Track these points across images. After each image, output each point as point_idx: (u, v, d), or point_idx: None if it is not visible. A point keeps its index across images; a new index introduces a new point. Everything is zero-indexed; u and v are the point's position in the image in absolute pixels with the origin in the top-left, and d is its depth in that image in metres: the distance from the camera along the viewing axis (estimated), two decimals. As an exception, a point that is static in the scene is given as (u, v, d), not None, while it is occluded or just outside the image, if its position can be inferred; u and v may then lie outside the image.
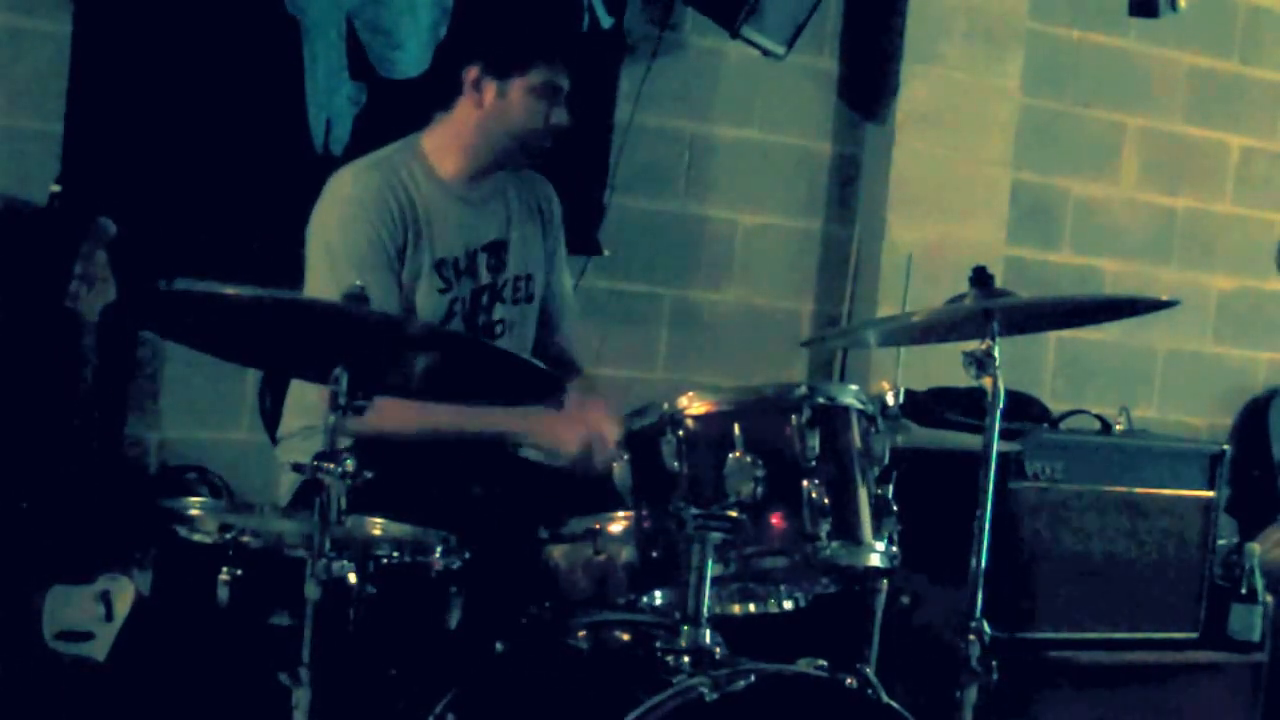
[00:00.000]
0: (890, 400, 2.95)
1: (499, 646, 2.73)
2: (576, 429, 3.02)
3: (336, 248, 3.18)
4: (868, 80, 4.97)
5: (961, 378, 2.88)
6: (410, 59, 4.22)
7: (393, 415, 2.79)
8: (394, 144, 3.35)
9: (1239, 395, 5.74)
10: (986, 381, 2.84)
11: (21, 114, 3.91)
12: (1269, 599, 4.31)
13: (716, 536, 2.51)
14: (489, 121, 3.26)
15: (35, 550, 3.50)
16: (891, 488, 2.72)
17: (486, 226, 3.35)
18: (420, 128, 3.37)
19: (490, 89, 3.24)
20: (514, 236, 3.40)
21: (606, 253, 4.55)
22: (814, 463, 2.61)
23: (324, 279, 3.14)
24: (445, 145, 3.30)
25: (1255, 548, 4.37)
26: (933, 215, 4.95)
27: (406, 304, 3.22)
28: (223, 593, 2.46)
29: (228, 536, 2.51)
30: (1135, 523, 4.14)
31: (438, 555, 2.60)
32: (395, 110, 4.09)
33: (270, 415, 3.44)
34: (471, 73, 3.24)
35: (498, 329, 3.37)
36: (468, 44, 3.33)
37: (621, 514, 2.72)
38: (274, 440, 3.42)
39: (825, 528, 2.60)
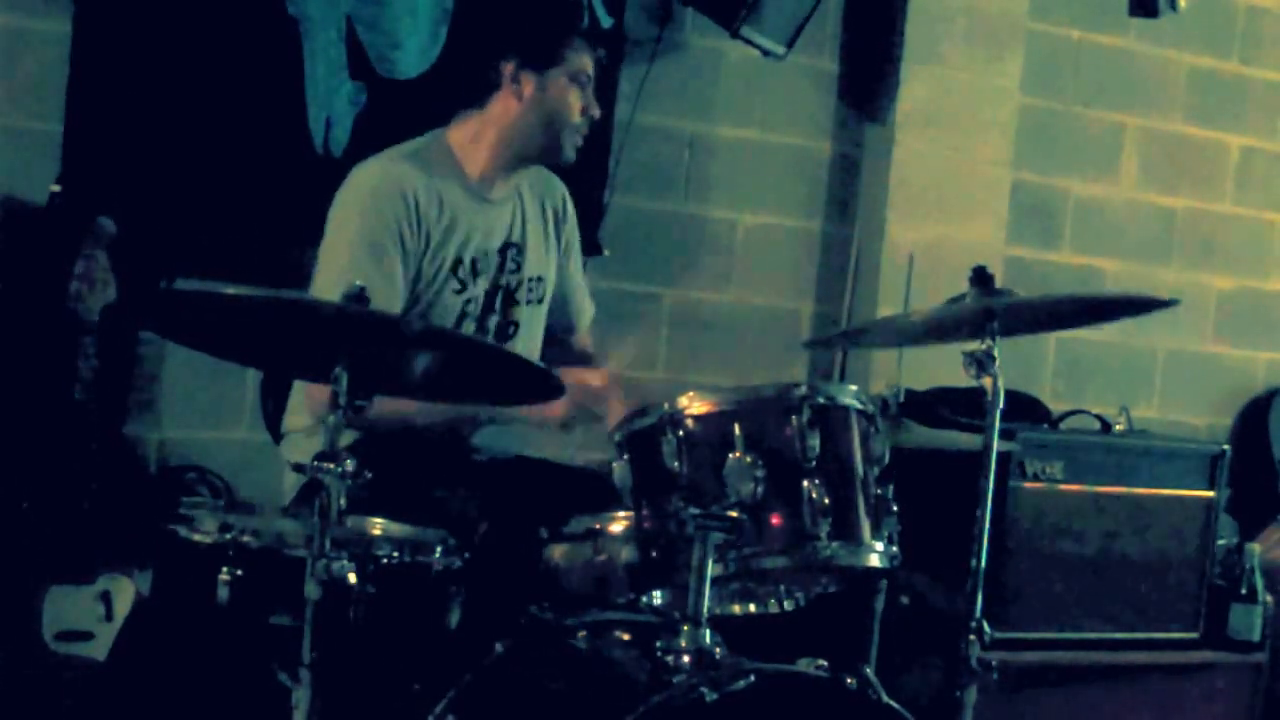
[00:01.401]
0: (890, 394, 2.95)
1: (499, 646, 2.73)
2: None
3: (353, 235, 3.17)
4: (868, 80, 4.96)
5: (961, 378, 2.88)
6: (410, 59, 4.22)
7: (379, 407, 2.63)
8: (421, 138, 3.33)
9: (1239, 395, 5.74)
10: (986, 381, 2.84)
11: (21, 114, 3.90)
12: (1269, 599, 4.31)
13: (717, 536, 2.51)
14: (528, 115, 3.26)
15: (35, 550, 3.50)
16: (891, 488, 2.72)
17: (504, 227, 3.35)
18: (421, 128, 3.36)
19: (530, 82, 3.24)
20: (529, 238, 3.40)
21: (606, 253, 4.54)
22: (814, 463, 2.61)
23: (337, 264, 3.14)
24: (474, 141, 3.30)
25: (1255, 548, 4.37)
26: (933, 215, 4.95)
27: (422, 303, 3.22)
28: (223, 593, 2.46)
29: (228, 536, 2.51)
30: (1135, 523, 4.14)
31: (438, 555, 2.60)
32: (395, 110, 4.09)
33: (272, 414, 3.43)
34: (508, 68, 3.24)
35: (510, 330, 3.37)
36: (496, 39, 3.30)
37: (621, 514, 2.72)
38: (276, 439, 3.42)
39: (825, 528, 2.60)
